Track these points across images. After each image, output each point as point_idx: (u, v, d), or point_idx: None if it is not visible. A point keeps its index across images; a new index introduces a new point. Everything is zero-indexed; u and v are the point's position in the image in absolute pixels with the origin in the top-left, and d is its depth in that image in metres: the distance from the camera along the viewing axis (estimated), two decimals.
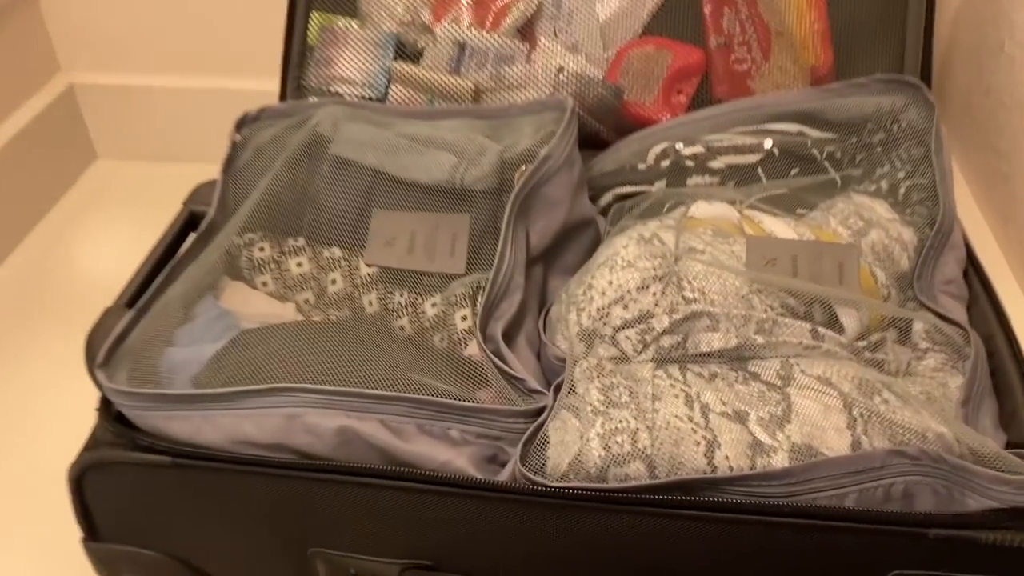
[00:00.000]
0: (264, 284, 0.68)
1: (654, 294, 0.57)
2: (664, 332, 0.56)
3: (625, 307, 0.57)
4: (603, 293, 0.57)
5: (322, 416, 0.52)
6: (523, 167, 0.65)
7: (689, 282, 0.58)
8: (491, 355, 0.57)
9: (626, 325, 0.56)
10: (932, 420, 0.52)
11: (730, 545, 0.49)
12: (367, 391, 0.52)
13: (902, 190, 0.70)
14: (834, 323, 0.60)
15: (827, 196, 0.70)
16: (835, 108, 0.73)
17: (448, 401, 0.53)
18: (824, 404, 0.53)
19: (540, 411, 0.54)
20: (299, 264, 0.68)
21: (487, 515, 0.51)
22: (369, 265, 0.66)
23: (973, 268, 0.66)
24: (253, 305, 0.66)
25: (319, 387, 0.52)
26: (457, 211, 0.66)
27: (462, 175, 0.65)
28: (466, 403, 0.53)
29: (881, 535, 0.48)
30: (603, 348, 0.56)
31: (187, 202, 0.75)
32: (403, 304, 0.66)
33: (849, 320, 0.59)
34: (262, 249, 0.68)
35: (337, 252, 0.68)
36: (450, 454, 0.51)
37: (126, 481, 0.55)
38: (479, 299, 0.64)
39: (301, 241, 0.69)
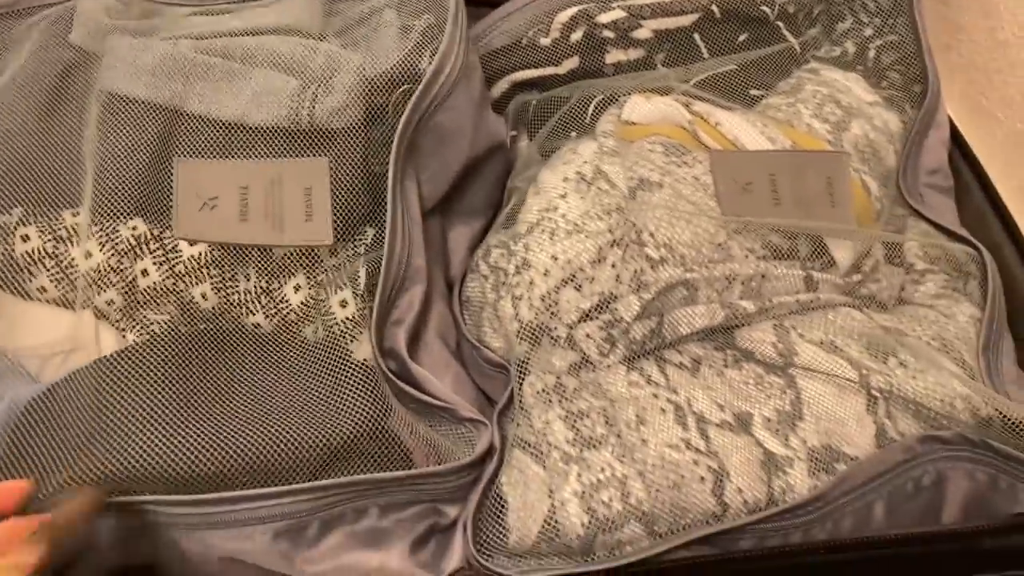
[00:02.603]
0: (42, 290, 0.47)
1: (613, 265, 0.42)
2: (634, 319, 0.41)
3: (578, 288, 0.41)
4: (546, 273, 0.42)
5: (188, 541, 0.36)
6: (401, 88, 0.45)
7: (651, 234, 0.43)
8: (398, 381, 0.41)
9: (585, 317, 0.41)
10: (955, 380, 0.43)
11: None
12: (246, 492, 0.36)
13: (871, 52, 0.56)
14: (821, 254, 0.47)
15: (784, 69, 0.55)
16: None
17: (361, 478, 0.37)
18: (837, 386, 0.42)
19: (483, 457, 0.39)
20: (87, 254, 0.46)
21: None
22: (192, 242, 0.46)
23: (960, 150, 0.54)
24: (29, 330, 0.45)
25: (169, 499, 0.35)
26: (306, 155, 0.46)
27: (311, 107, 0.44)
28: (386, 475, 0.38)
29: (929, 557, 0.39)
30: (557, 354, 0.41)
31: None
32: (253, 293, 0.47)
33: (843, 253, 0.47)
34: (26, 238, 0.46)
35: (140, 226, 0.47)
36: (377, 558, 0.37)
37: None
38: (359, 274, 0.46)
39: (82, 216, 0.47)
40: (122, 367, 0.42)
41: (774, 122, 0.50)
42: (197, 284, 0.47)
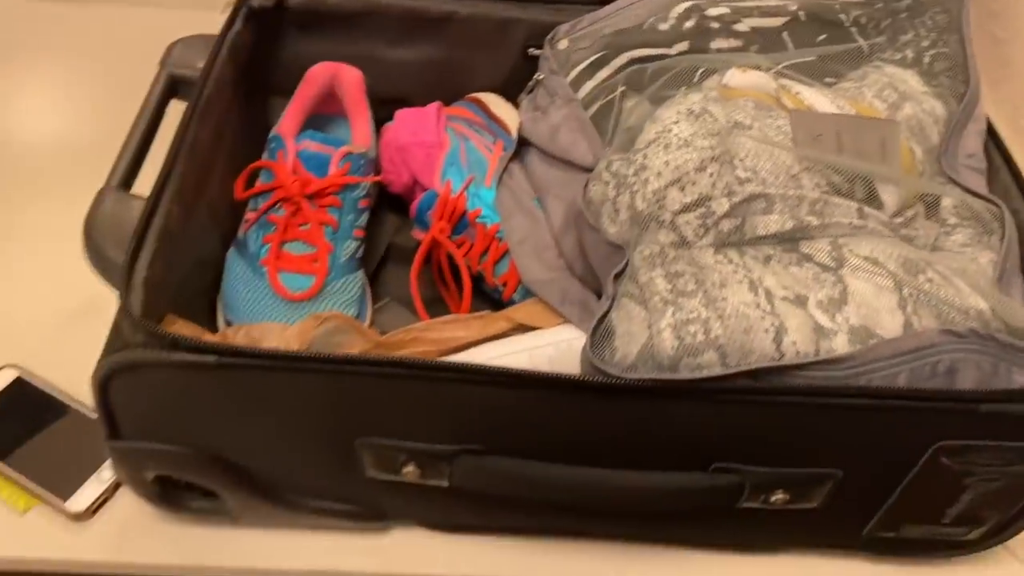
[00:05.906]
0: None
1: (711, 175, 0.55)
2: (723, 216, 0.54)
3: (682, 189, 0.55)
4: (659, 174, 0.55)
5: None
6: None
7: (741, 160, 0.57)
8: None
9: (685, 209, 0.54)
10: (972, 296, 0.54)
11: (793, 425, 0.51)
12: None
13: (927, 59, 0.69)
14: (874, 199, 0.60)
15: (854, 65, 0.68)
16: None
17: None
18: (876, 285, 0.54)
19: None
20: None
21: (549, 404, 0.50)
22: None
23: (993, 142, 0.66)
24: None
25: None
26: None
27: None
28: None
29: (935, 412, 0.50)
30: (662, 234, 0.54)
31: (164, 63, 0.66)
32: None
33: (889, 197, 0.59)
34: None
35: None
36: None
37: (158, 381, 0.51)
38: None
39: None
40: None
41: (843, 97, 0.64)
42: None
